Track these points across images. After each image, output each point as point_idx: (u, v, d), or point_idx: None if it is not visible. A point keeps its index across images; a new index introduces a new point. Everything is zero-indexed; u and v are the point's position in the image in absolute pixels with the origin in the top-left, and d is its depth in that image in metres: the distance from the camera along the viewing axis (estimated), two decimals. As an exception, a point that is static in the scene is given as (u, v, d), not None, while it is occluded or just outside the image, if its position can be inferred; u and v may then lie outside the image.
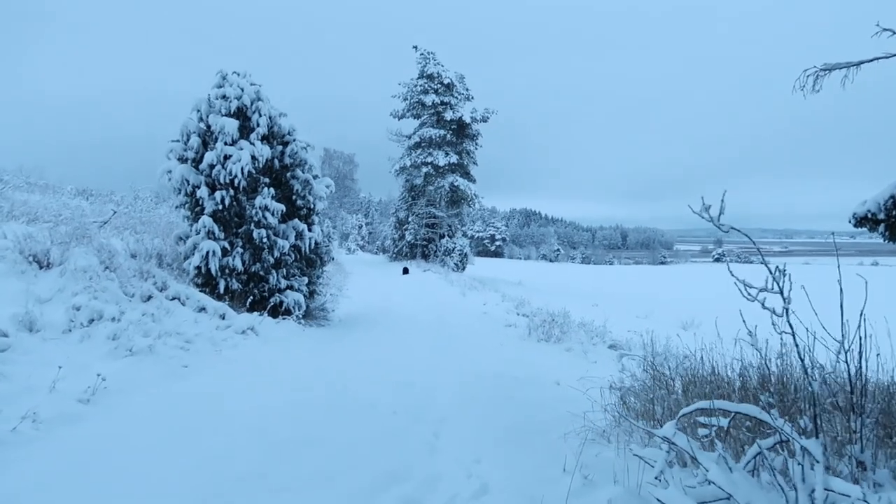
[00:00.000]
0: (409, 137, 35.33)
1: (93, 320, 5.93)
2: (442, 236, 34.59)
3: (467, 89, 34.63)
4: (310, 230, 9.88)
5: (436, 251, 34.26)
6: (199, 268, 8.82)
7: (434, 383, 5.79)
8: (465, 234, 37.22)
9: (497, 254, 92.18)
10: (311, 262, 10.23)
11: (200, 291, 8.71)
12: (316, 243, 10.04)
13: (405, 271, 28.26)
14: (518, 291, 22.38)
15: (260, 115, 9.38)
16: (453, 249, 33.04)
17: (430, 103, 33.30)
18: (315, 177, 10.09)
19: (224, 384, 5.06)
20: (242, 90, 9.33)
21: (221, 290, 8.88)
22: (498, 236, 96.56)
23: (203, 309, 7.85)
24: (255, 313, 8.39)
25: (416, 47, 34.18)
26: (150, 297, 7.30)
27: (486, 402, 5.15)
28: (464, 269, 32.92)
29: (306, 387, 5.30)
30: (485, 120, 34.34)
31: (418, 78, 34.16)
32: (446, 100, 33.53)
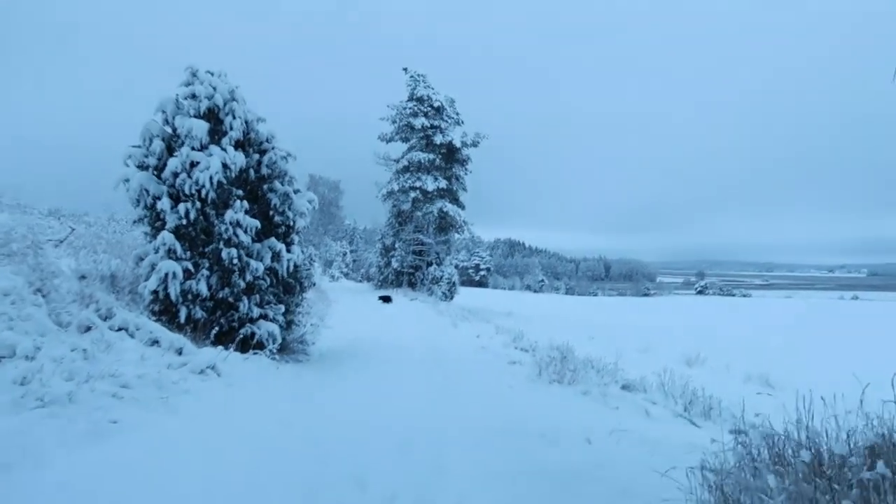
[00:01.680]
0: (398, 161, 34.26)
1: (2, 358, 4.61)
2: (430, 264, 33.33)
3: (457, 113, 33.83)
4: (288, 251, 8.61)
5: (423, 279, 32.94)
6: (156, 292, 7.50)
7: (440, 443, 4.52)
8: (452, 263, 36.04)
9: (482, 283, 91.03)
10: (289, 287, 8.94)
11: (157, 320, 7.37)
12: (295, 266, 8.76)
13: (386, 300, 26.35)
14: (510, 322, 21.20)
15: (234, 118, 8.17)
16: (441, 278, 31.79)
17: (420, 126, 32.38)
18: (296, 190, 8.87)
19: (159, 451, 3.74)
20: (215, 89, 8.14)
21: (182, 320, 7.56)
22: (482, 266, 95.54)
23: (156, 342, 6.51)
24: (220, 347, 7.06)
25: (405, 69, 33.41)
26: (89, 328, 5.98)
27: (512, 474, 3.90)
28: (452, 298, 31.65)
29: (273, 451, 4.00)
30: (475, 144, 33.47)
31: (408, 100, 33.28)
32: (436, 123, 32.64)
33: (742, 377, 13.75)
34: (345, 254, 58.78)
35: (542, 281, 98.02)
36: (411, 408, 5.82)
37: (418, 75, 33.39)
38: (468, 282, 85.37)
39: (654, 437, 5.40)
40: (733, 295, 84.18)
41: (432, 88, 33.24)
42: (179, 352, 6.52)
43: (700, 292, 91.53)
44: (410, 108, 32.99)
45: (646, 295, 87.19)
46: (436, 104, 32.73)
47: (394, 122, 33.82)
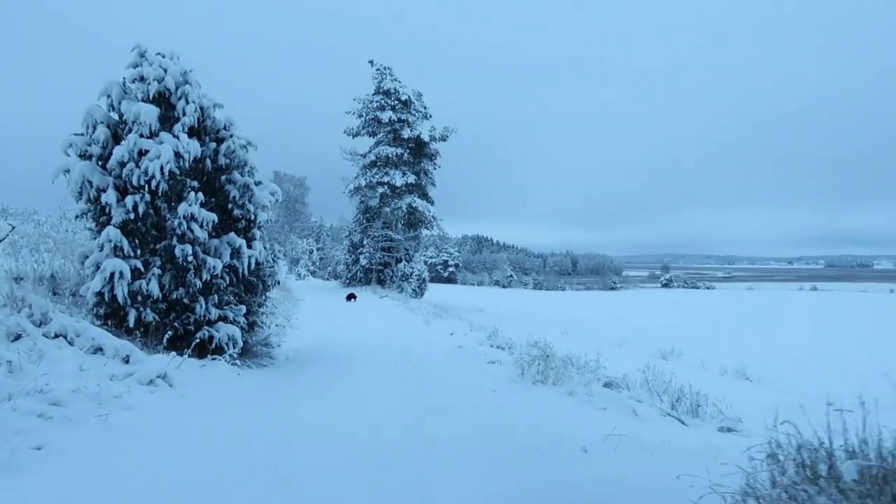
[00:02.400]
0: (365, 156, 33.49)
1: None
2: (399, 260, 32.70)
3: (425, 107, 33.20)
4: (249, 247, 7.95)
5: (392, 276, 32.31)
6: (101, 294, 6.77)
7: (423, 461, 3.97)
8: (421, 259, 35.44)
9: (450, 280, 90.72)
10: (250, 286, 8.28)
11: (103, 325, 6.68)
12: (257, 263, 8.11)
13: (351, 297, 25.50)
14: (483, 319, 20.84)
15: (187, 103, 7.47)
16: (411, 274, 31.21)
17: (387, 120, 31.67)
18: (258, 182, 8.21)
19: (90, 482, 3.12)
20: (165, 71, 7.42)
21: (132, 324, 6.85)
22: (451, 262, 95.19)
23: (99, 350, 5.81)
24: (174, 353, 6.39)
25: (372, 62, 32.64)
26: (19, 336, 5.26)
27: (508, 498, 3.40)
28: (422, 295, 31.12)
29: (230, 478, 3.41)
30: (444, 139, 32.90)
31: (374, 94, 32.52)
32: (404, 117, 31.98)
33: (718, 370, 13.59)
34: (311, 252, 57.74)
35: (511, 276, 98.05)
36: (388, 419, 5.26)
37: (384, 68, 32.67)
38: (437, 278, 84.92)
39: (651, 442, 5.00)
40: (697, 287, 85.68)
41: (399, 81, 32.56)
42: (126, 360, 5.83)
43: (665, 285, 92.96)
44: (377, 102, 32.27)
45: (612, 289, 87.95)
46: (403, 97, 32.07)
47: (360, 115, 33.06)
